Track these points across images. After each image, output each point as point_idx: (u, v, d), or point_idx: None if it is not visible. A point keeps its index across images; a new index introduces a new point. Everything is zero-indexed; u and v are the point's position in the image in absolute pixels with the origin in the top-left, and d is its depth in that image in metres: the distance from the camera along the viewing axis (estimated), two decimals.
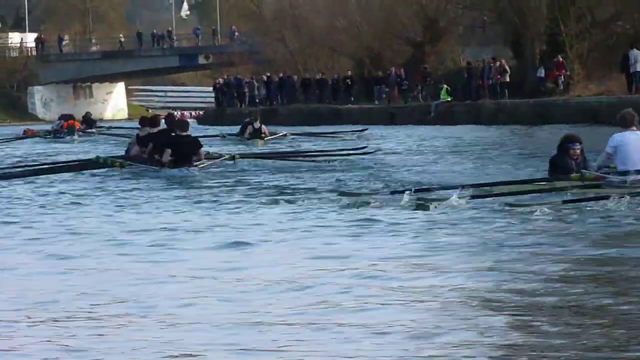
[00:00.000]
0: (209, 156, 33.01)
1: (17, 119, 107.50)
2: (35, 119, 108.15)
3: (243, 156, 34.69)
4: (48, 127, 70.84)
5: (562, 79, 66.50)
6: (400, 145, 48.46)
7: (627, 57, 59.75)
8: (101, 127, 69.13)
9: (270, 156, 35.05)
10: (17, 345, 10.39)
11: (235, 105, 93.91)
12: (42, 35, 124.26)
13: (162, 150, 31.21)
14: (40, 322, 11.65)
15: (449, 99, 71.89)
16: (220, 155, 34.09)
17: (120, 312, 12.10)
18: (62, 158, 43.13)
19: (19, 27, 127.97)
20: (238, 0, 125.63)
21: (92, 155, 37.00)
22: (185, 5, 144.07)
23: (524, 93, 68.11)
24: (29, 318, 11.74)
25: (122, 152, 42.40)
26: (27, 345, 10.35)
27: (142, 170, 31.60)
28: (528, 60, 69.31)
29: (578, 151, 22.12)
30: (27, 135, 63.87)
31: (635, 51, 58.17)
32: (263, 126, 53.50)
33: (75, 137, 60.57)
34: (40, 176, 31.51)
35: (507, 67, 70.71)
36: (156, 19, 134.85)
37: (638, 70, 57.99)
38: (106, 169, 32.68)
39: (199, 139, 50.71)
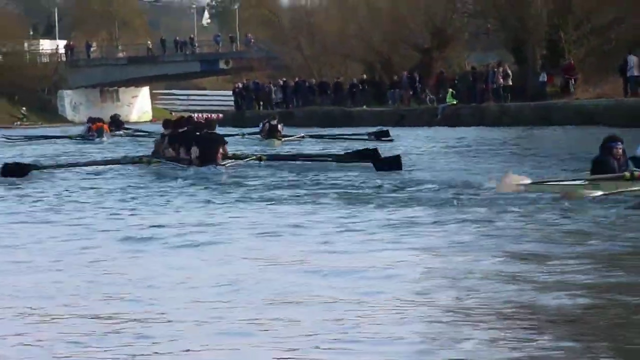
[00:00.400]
0: (237, 156, 32.65)
1: (48, 121, 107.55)
2: (64, 121, 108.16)
3: (270, 158, 33.75)
4: (79, 129, 70.58)
5: (573, 82, 66.26)
6: (418, 145, 47.41)
7: (626, 62, 59.90)
8: (128, 128, 69.21)
9: (295, 158, 33.84)
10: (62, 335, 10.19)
11: (254, 108, 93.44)
12: (72, 42, 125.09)
13: (189, 147, 31.12)
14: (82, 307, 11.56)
15: (455, 102, 71.98)
16: (248, 156, 33.39)
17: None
18: (94, 158, 41.79)
19: (49, 34, 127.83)
20: (256, 10, 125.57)
21: (121, 155, 37.14)
22: (206, 14, 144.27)
23: (525, 96, 67.82)
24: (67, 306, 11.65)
25: (148, 152, 42.57)
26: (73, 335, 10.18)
27: (171, 168, 31.26)
28: (529, 65, 69.36)
29: (620, 150, 21.59)
30: (91, 129, 62.91)
31: (632, 57, 58.30)
32: (280, 125, 53.43)
33: (105, 138, 60.01)
34: (79, 173, 31.50)
35: (509, 72, 70.66)
36: (179, 27, 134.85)
37: (635, 74, 58.09)
38: (138, 167, 32.49)
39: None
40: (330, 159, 32.88)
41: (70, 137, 63.21)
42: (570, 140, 44.63)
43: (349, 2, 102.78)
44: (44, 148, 54.93)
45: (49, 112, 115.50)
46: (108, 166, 32.86)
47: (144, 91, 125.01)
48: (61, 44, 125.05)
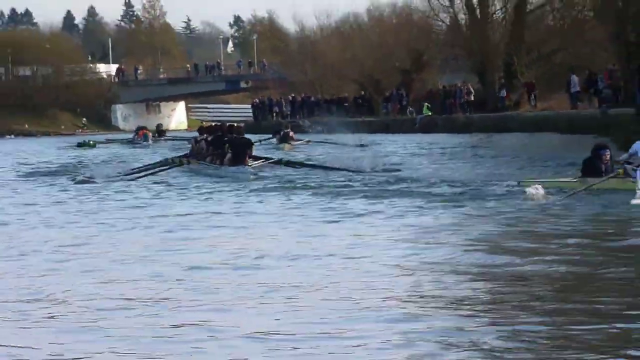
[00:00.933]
0: (261, 158, 31.28)
1: (103, 129, 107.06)
2: (116, 129, 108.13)
3: (289, 162, 31.37)
4: (129, 136, 69.37)
5: (534, 97, 64.00)
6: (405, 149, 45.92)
7: (569, 81, 59.18)
8: (168, 136, 67.48)
9: (308, 165, 31.78)
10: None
11: (268, 119, 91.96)
12: (122, 66, 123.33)
13: (222, 149, 30.39)
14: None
15: (430, 114, 71.14)
16: (271, 159, 31.87)
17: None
18: (142, 159, 41.23)
19: (104, 60, 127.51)
20: (270, 40, 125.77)
21: (164, 158, 35.12)
22: (230, 44, 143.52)
23: (485, 109, 67.12)
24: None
25: (184, 153, 44.39)
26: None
27: (204, 167, 30.47)
28: (489, 85, 69.51)
29: (608, 156, 21.25)
30: (138, 135, 61.98)
31: (574, 76, 58.14)
32: (291, 132, 53.40)
33: (150, 142, 59.13)
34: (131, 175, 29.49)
35: (472, 90, 70.18)
36: (208, 54, 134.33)
37: (577, 90, 57.90)
38: (177, 167, 31.17)
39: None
40: (335, 169, 29.82)
41: (121, 142, 63.28)
42: (523, 144, 44.66)
43: (345, 33, 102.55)
44: (104, 150, 54.57)
45: (104, 122, 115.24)
46: (158, 169, 30.72)
47: (181, 105, 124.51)
48: (114, 67, 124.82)
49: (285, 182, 25.77)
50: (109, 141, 62.55)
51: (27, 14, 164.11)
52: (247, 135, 56.14)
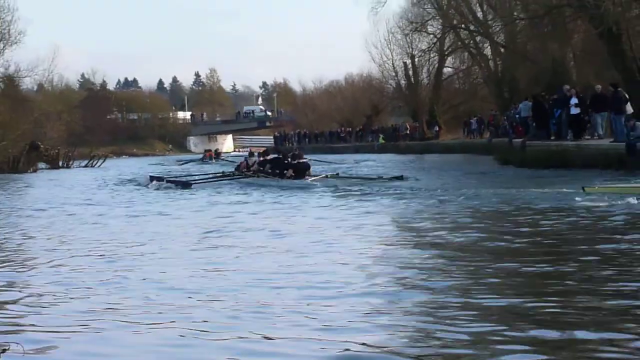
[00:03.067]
0: (316, 174, 26.86)
1: (182, 152, 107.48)
2: (190, 152, 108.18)
3: (333, 175, 27.16)
4: (199, 156, 66.19)
5: (438, 130, 65.13)
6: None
7: (467, 123, 58.90)
8: (223, 156, 67.41)
9: (355, 177, 27.11)
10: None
11: (284, 145, 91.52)
12: (194, 113, 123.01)
13: (281, 169, 26.47)
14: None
15: (384, 141, 70.36)
16: (321, 174, 27.21)
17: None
18: (210, 171, 36.14)
19: (183, 109, 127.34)
20: (285, 96, 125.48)
21: (231, 170, 30.28)
22: (260, 99, 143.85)
23: (416, 139, 66.19)
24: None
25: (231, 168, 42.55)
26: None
27: (270, 180, 25.77)
28: (420, 123, 69.22)
29: None
30: (205, 156, 58.86)
31: (474, 120, 57.86)
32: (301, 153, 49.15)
33: (213, 161, 55.43)
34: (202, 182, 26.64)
35: (408, 126, 69.81)
36: (246, 104, 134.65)
37: (474, 128, 57.69)
38: (244, 178, 27.09)
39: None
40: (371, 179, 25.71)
41: (194, 161, 58.34)
42: (441, 160, 44.62)
43: (331, 92, 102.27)
44: (183, 167, 51.48)
45: (182, 147, 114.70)
46: (228, 179, 27.28)
47: (229, 136, 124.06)
48: (188, 114, 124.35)
49: (341, 190, 21.70)
50: (179, 162, 58.79)
51: (135, 80, 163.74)
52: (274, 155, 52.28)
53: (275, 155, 28.84)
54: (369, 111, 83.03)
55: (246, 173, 28.10)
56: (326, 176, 26.82)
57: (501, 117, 48.16)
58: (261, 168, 27.83)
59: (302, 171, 26.24)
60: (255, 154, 31.77)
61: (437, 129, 65.81)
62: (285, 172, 26.29)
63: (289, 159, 27.12)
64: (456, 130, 64.69)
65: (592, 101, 27.51)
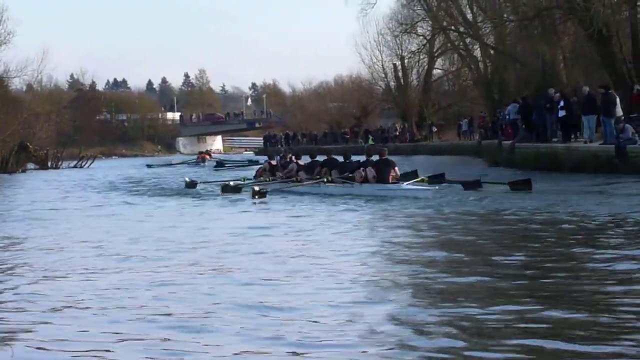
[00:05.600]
0: (406, 177, 21.76)
1: (171, 153, 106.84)
2: (179, 152, 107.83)
3: (430, 179, 21.68)
4: (188, 157, 65.75)
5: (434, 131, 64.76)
6: None
7: (459, 124, 58.67)
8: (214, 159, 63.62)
9: (448, 181, 22.09)
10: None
11: (273, 146, 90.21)
12: (182, 114, 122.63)
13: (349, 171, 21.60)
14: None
15: (373, 143, 66.74)
16: (414, 177, 21.89)
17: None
18: (209, 177, 34.32)
19: (172, 110, 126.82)
20: (274, 97, 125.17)
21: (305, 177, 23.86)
22: (249, 100, 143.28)
23: (405, 140, 65.69)
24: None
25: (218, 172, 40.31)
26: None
27: (344, 185, 21.22)
28: (409, 124, 69.08)
29: None
30: (199, 158, 56.15)
31: (465, 121, 57.91)
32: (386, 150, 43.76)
33: (206, 164, 52.72)
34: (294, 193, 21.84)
35: (398, 128, 69.45)
36: (236, 105, 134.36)
37: (465, 129, 57.64)
38: (318, 184, 21.76)
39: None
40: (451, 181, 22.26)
41: (188, 163, 56.82)
42: (429, 162, 44.68)
43: (320, 93, 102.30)
44: (178, 169, 49.97)
45: (171, 148, 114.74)
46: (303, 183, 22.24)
47: (219, 138, 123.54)
48: (177, 115, 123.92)
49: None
50: (174, 163, 57.83)
51: (124, 81, 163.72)
52: (260, 157, 46.87)
53: (325, 157, 23.66)
54: (358, 112, 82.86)
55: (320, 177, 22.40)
56: (422, 179, 21.56)
57: (490, 119, 48.16)
58: (303, 171, 23.50)
59: (384, 172, 20.83)
60: (291, 157, 25.31)
61: (434, 130, 65.55)
62: (355, 174, 21.33)
63: (366, 159, 21.85)
64: (446, 131, 64.71)
65: (581, 103, 27.42)
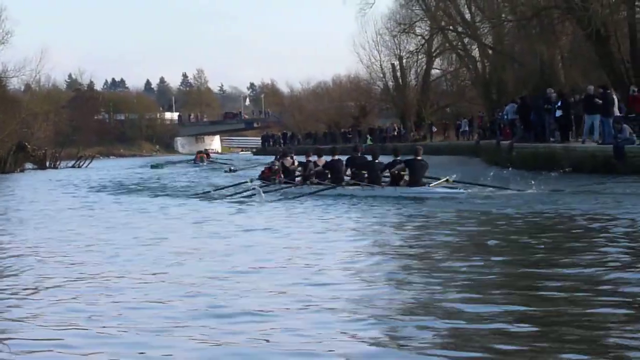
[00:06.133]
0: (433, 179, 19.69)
1: (169, 153, 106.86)
2: (177, 152, 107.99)
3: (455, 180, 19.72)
4: (188, 157, 65.06)
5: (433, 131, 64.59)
6: None
7: (460, 125, 57.77)
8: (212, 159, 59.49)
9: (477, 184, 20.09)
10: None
11: (271, 146, 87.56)
12: (181, 114, 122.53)
13: (358, 169, 20.35)
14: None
15: (371, 143, 67.18)
16: (440, 178, 19.58)
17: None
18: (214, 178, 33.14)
19: (170, 110, 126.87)
20: (272, 97, 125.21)
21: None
22: (247, 100, 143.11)
23: (404, 140, 65.42)
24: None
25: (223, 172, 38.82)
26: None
27: (369, 188, 19.52)
28: (407, 125, 69.11)
29: None
30: (197, 158, 55.27)
31: (465, 120, 57.89)
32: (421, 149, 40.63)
33: (204, 163, 52.16)
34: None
35: (396, 127, 68.60)
36: (234, 105, 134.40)
37: (465, 129, 57.66)
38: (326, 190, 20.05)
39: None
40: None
41: (187, 162, 56.09)
42: (430, 161, 44.51)
43: (318, 93, 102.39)
44: (175, 168, 49.28)
45: (170, 148, 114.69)
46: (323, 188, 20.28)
47: (217, 138, 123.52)
48: (176, 114, 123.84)
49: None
50: (172, 162, 57.59)
51: (122, 81, 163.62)
52: (259, 157, 47.34)
53: (350, 156, 21.41)
54: (357, 112, 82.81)
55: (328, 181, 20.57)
56: (447, 180, 19.77)
57: (488, 119, 48.17)
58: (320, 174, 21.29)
59: (418, 174, 19.35)
60: (312, 158, 22.35)
61: (434, 130, 65.42)
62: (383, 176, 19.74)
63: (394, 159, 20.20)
64: (444, 132, 64.72)
65: (584, 103, 27.20)
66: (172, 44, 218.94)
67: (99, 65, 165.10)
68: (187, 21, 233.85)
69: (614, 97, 26.31)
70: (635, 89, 27.94)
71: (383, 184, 19.81)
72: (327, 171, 21.23)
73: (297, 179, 22.16)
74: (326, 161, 21.63)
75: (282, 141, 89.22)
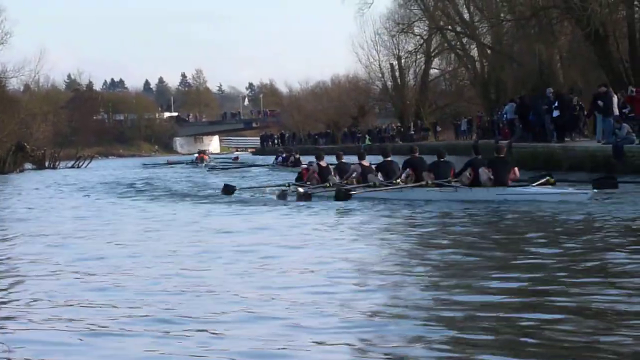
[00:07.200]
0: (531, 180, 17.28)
1: (168, 153, 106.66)
2: (177, 153, 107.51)
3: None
4: (188, 158, 63.17)
5: (435, 132, 63.59)
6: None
7: (458, 125, 57.76)
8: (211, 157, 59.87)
9: None
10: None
11: (270, 146, 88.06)
12: (179, 114, 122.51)
13: (421, 171, 17.98)
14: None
15: (370, 143, 66.82)
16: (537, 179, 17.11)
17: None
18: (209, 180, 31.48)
19: (169, 110, 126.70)
20: (271, 97, 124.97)
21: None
22: (246, 100, 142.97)
23: (404, 140, 65.80)
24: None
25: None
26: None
27: (453, 190, 17.17)
28: (406, 125, 69.03)
29: None
30: (198, 158, 54.13)
31: (464, 120, 57.85)
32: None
33: (204, 164, 49.97)
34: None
35: (394, 127, 68.48)
36: (232, 105, 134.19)
37: (463, 129, 57.49)
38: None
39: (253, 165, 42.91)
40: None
41: (186, 163, 54.24)
42: (430, 161, 43.93)
43: (317, 93, 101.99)
44: (177, 170, 47.08)
45: (168, 148, 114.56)
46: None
47: (216, 138, 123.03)
48: (175, 114, 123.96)
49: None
50: (170, 163, 56.53)
51: (121, 81, 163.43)
52: (259, 157, 42.83)
53: (409, 157, 19.11)
54: (355, 112, 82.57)
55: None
56: (548, 180, 17.15)
57: (487, 119, 48.22)
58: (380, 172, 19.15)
59: (502, 174, 17.11)
60: (297, 156, 20.33)
61: (439, 129, 65.16)
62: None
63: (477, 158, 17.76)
64: (444, 131, 64.70)
65: (594, 102, 26.80)
66: (171, 44, 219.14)
67: (98, 66, 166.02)
68: (185, 21, 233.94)
69: (613, 96, 26.25)
70: (634, 90, 27.89)
71: (456, 185, 17.42)
72: (373, 175, 18.99)
73: (341, 180, 19.81)
74: (378, 163, 19.71)
75: (279, 141, 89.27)
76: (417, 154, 19.22)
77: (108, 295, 7.75)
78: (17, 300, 7.78)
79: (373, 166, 19.72)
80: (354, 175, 19.64)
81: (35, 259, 10.49)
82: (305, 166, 23.83)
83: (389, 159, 19.67)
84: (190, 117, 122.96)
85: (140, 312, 6.90)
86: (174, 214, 16.85)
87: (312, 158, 22.01)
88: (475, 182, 17.18)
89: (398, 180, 18.36)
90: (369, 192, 18.32)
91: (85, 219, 16.39)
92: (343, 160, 20.89)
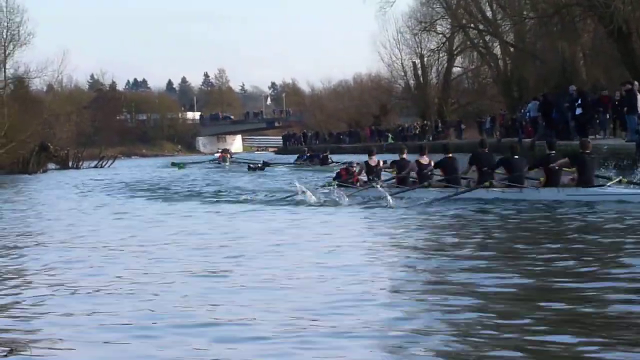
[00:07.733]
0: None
1: (190, 152, 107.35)
2: (199, 152, 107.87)
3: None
4: (210, 157, 62.54)
5: (460, 130, 60.80)
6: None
7: (482, 122, 58.41)
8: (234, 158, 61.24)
9: None
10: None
11: (292, 145, 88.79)
12: (202, 114, 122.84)
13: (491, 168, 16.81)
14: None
15: (392, 141, 66.27)
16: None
17: None
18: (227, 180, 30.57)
19: (192, 109, 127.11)
20: (293, 97, 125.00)
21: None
22: (268, 99, 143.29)
23: (426, 138, 65.15)
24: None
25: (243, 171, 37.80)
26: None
27: (518, 191, 15.84)
28: (428, 124, 68.86)
29: None
30: (220, 157, 52.69)
31: (487, 118, 57.15)
32: (330, 156, 38.16)
33: (227, 163, 49.25)
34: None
35: (417, 126, 67.74)
36: (255, 105, 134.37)
37: (487, 127, 57.16)
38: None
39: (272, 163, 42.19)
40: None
41: (209, 161, 53.53)
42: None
43: (339, 92, 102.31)
44: (196, 169, 47.27)
45: (191, 147, 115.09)
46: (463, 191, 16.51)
47: (238, 137, 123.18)
48: (197, 114, 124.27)
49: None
50: (194, 162, 55.43)
51: (144, 81, 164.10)
52: (282, 156, 42.04)
53: (474, 153, 17.72)
54: (377, 111, 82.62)
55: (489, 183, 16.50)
56: (621, 180, 15.52)
57: (510, 117, 48.04)
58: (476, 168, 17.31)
59: (588, 171, 15.52)
60: (421, 158, 18.54)
61: (463, 127, 64.75)
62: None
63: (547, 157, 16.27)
64: (467, 129, 64.56)
65: (625, 100, 26.54)
66: (194, 43, 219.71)
67: (121, 66, 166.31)
68: (209, 21, 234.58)
69: (637, 93, 26.05)
70: None
71: (529, 184, 16.20)
72: (436, 171, 17.99)
73: (390, 181, 18.61)
74: (438, 160, 18.30)
75: (303, 140, 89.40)
76: (486, 149, 17.68)
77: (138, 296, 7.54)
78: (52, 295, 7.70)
79: (432, 162, 18.44)
80: (411, 172, 18.39)
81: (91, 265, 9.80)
82: (344, 166, 22.41)
83: (450, 155, 18.23)
84: (213, 116, 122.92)
85: (188, 313, 6.70)
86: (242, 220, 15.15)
87: (336, 157, 20.99)
88: (550, 182, 15.70)
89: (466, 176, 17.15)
90: (417, 192, 17.02)
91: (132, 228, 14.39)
92: (404, 156, 19.01)
